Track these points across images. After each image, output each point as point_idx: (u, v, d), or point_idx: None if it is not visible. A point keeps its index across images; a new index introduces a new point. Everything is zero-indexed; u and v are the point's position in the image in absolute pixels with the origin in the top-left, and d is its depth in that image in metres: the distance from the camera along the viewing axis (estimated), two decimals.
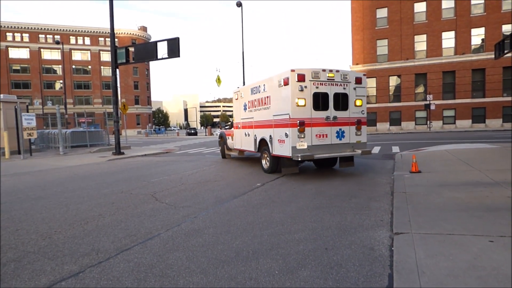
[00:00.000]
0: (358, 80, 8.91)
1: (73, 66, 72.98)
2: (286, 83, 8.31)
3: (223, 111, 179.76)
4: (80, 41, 73.33)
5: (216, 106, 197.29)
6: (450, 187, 6.23)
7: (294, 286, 2.91)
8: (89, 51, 73.98)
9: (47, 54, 71.41)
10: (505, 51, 14.25)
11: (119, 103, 19.59)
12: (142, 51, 16.99)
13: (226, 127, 14.91)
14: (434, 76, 37.16)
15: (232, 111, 13.48)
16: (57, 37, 67.99)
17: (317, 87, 8.38)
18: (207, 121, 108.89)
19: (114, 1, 16.72)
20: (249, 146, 11.14)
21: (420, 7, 37.31)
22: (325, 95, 8.49)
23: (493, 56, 33.99)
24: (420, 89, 38.35)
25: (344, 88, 8.73)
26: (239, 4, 24.31)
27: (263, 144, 9.97)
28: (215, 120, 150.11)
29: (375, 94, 39.83)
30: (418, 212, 4.73)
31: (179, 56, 15.29)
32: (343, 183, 7.69)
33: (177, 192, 7.20)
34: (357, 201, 5.88)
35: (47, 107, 61.10)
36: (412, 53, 37.94)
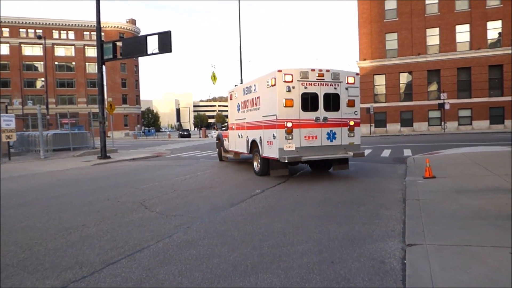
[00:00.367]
0: (351, 80, 9.08)
1: (56, 63, 73.01)
2: (273, 83, 8.56)
3: (219, 111, 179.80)
4: (63, 35, 73.45)
5: (211, 106, 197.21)
6: (467, 194, 6.23)
7: None
8: (73, 46, 74.06)
9: (28, 50, 71.41)
10: None
11: (105, 102, 19.59)
12: (131, 46, 17.03)
13: (223, 128, 14.94)
14: (448, 73, 37.26)
15: (228, 111, 13.61)
16: (39, 31, 67.91)
17: (305, 87, 8.60)
18: (202, 122, 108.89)
19: None
20: (242, 147, 11.35)
21: None
22: (315, 95, 8.72)
23: (510, 51, 34.66)
24: (433, 87, 38.45)
25: (335, 88, 8.93)
26: None
27: (254, 146, 10.23)
28: (210, 121, 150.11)
29: (384, 92, 39.92)
30: (432, 221, 4.72)
31: (171, 51, 15.34)
32: (350, 190, 7.68)
33: (168, 200, 7.18)
34: (366, 209, 5.86)
35: (28, 107, 60.86)
36: (424, 48, 38.05)
